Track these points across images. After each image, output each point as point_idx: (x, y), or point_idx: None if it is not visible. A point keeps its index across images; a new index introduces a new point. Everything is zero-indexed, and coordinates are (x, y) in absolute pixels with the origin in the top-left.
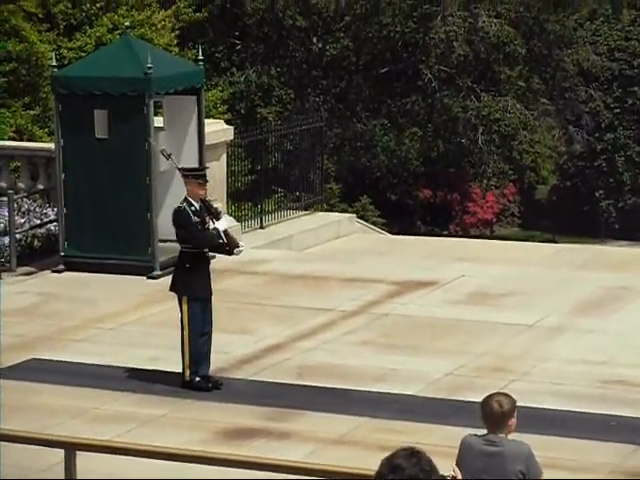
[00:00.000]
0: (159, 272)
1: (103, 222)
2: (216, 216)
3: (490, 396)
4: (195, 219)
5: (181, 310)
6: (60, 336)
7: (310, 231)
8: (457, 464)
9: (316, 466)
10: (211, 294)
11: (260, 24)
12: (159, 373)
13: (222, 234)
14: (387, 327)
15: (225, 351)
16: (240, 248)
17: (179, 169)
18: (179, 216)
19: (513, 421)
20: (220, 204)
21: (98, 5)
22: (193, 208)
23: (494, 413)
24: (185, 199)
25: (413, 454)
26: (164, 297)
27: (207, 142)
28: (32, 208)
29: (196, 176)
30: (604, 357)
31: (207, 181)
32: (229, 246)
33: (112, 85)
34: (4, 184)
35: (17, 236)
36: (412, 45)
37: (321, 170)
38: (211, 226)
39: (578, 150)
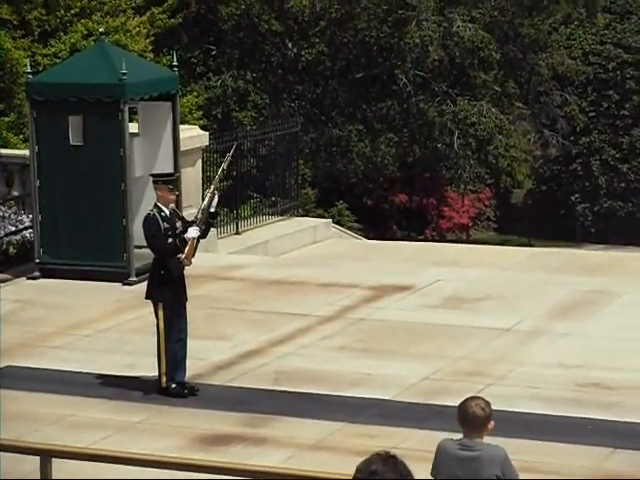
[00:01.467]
0: (135, 278)
1: (78, 229)
2: (189, 224)
3: (468, 400)
4: (165, 225)
5: (157, 317)
6: (36, 343)
7: (286, 236)
8: (433, 469)
9: (293, 471)
10: (186, 300)
11: (235, 29)
12: (135, 380)
13: (186, 241)
14: (363, 332)
15: (201, 357)
16: (187, 262)
17: (150, 175)
18: (146, 223)
19: (492, 424)
20: (200, 214)
21: (73, 12)
22: (163, 214)
23: (477, 417)
24: (155, 205)
25: (389, 458)
26: (140, 303)
27: (182, 148)
28: (7, 215)
29: (166, 182)
30: (580, 361)
31: (178, 187)
32: (185, 255)
33: (87, 91)
34: None
35: None
36: (387, 50)
37: (297, 175)
38: (190, 231)
39: (553, 154)
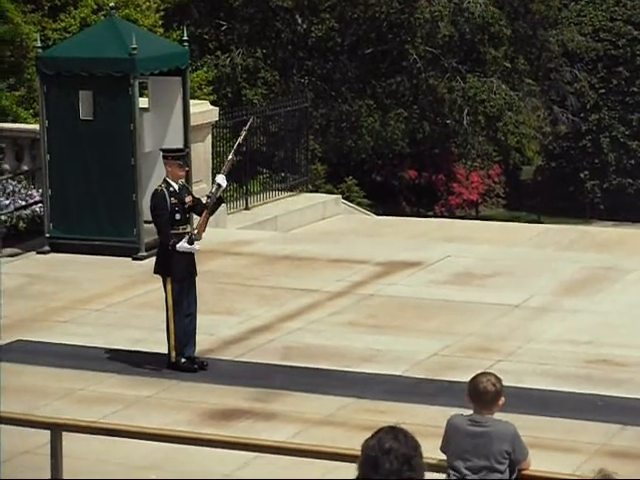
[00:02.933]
0: (144, 253)
1: (88, 203)
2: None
3: (479, 375)
4: (172, 200)
5: (166, 291)
6: (46, 317)
7: (295, 212)
8: (443, 444)
9: (302, 446)
10: (195, 275)
11: (246, 5)
12: (145, 354)
13: (193, 241)
14: (373, 308)
15: (211, 332)
16: (189, 246)
17: (160, 150)
18: (153, 199)
19: (502, 400)
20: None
21: None
22: (172, 189)
23: (487, 392)
24: (164, 180)
25: (399, 433)
26: (149, 278)
27: (192, 123)
28: (17, 189)
29: (176, 157)
30: (589, 337)
31: (187, 163)
32: (197, 229)
33: (97, 66)
34: None
35: (2, 217)
36: (397, 26)
37: (306, 151)
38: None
39: (563, 131)
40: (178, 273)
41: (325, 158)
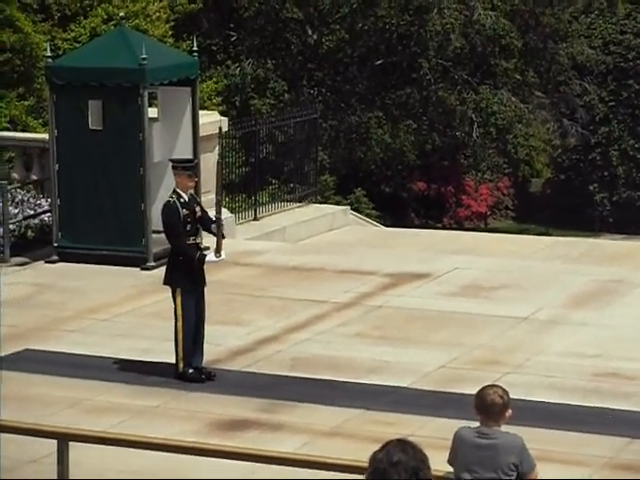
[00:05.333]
0: (153, 263)
1: (97, 213)
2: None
3: (487, 388)
4: (184, 212)
5: (175, 302)
6: (53, 327)
7: (304, 223)
8: (450, 456)
9: (309, 458)
10: (204, 285)
11: (256, 16)
12: (152, 364)
13: (204, 258)
14: (380, 319)
15: (218, 343)
16: (217, 258)
17: (169, 160)
18: (166, 211)
19: (509, 412)
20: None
21: None
22: (182, 200)
23: (495, 405)
24: (174, 191)
25: (406, 446)
26: (157, 288)
27: (201, 133)
28: (26, 199)
29: (185, 167)
30: (598, 350)
31: (196, 173)
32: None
33: (106, 76)
34: None
35: (10, 227)
36: (407, 38)
37: (315, 162)
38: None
39: (572, 143)
40: (188, 284)
41: (334, 169)
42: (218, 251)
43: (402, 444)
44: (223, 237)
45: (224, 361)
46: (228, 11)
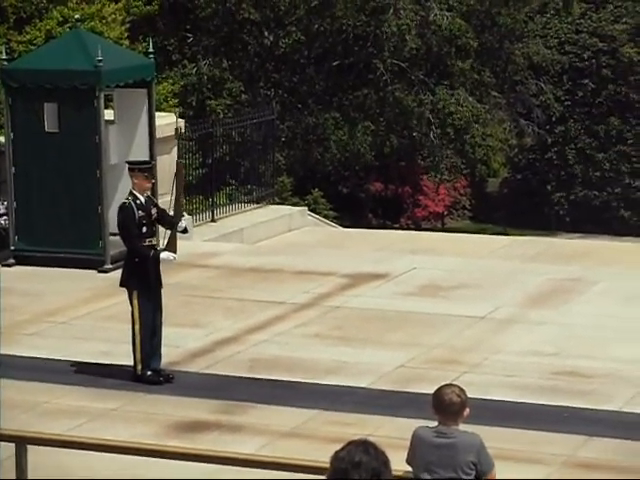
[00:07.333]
0: (110, 266)
1: (54, 216)
2: (167, 215)
3: (444, 387)
4: (140, 213)
5: (132, 304)
6: (11, 330)
7: (262, 224)
8: (409, 456)
9: (268, 459)
10: (161, 287)
11: (212, 17)
12: (110, 367)
13: (159, 255)
14: (339, 320)
15: (177, 344)
16: (170, 257)
17: (126, 162)
18: (121, 213)
19: (467, 411)
20: (184, 222)
21: None
22: (138, 202)
23: (453, 404)
24: (130, 193)
25: (369, 447)
26: (115, 291)
27: (158, 135)
28: None
29: (142, 169)
30: (555, 349)
31: (153, 175)
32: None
33: (62, 78)
34: None
35: None
36: (364, 38)
37: (273, 163)
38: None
39: (529, 143)
40: (144, 286)
41: (292, 170)
42: (173, 251)
43: (364, 445)
44: (185, 232)
45: (182, 363)
46: (184, 12)
